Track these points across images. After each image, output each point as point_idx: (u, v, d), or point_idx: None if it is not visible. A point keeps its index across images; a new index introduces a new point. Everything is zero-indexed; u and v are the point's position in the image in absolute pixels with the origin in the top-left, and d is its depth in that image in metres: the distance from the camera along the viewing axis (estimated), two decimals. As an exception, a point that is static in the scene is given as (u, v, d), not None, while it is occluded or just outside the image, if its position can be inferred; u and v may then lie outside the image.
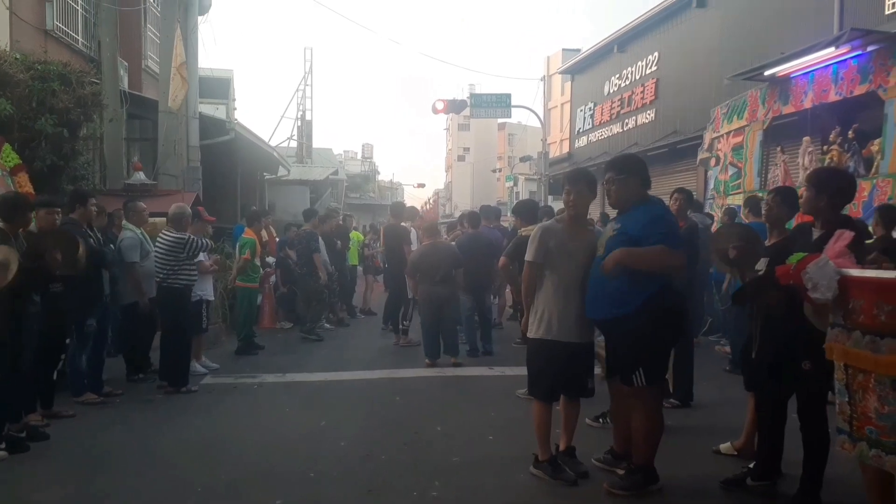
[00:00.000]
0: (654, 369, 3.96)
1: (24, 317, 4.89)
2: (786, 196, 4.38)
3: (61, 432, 5.24)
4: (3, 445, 4.70)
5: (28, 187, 6.97)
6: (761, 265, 4.04)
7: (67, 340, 5.94)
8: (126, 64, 12.28)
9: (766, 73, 9.49)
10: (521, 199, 41.10)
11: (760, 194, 9.34)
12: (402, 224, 10.45)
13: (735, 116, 10.78)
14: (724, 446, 4.74)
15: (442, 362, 7.93)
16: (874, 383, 2.84)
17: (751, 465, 4.17)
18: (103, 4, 10.54)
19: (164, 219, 7.12)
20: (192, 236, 6.77)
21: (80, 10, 11.17)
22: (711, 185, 11.76)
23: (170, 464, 4.62)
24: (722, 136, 11.23)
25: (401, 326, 9.33)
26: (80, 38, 11.14)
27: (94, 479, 4.36)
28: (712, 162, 11.70)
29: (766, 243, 4.31)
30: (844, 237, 3.03)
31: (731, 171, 10.88)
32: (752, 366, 4.21)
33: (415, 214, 12.69)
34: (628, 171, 4.05)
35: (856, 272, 2.90)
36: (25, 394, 5.26)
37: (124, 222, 7.04)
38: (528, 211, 6.90)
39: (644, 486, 3.98)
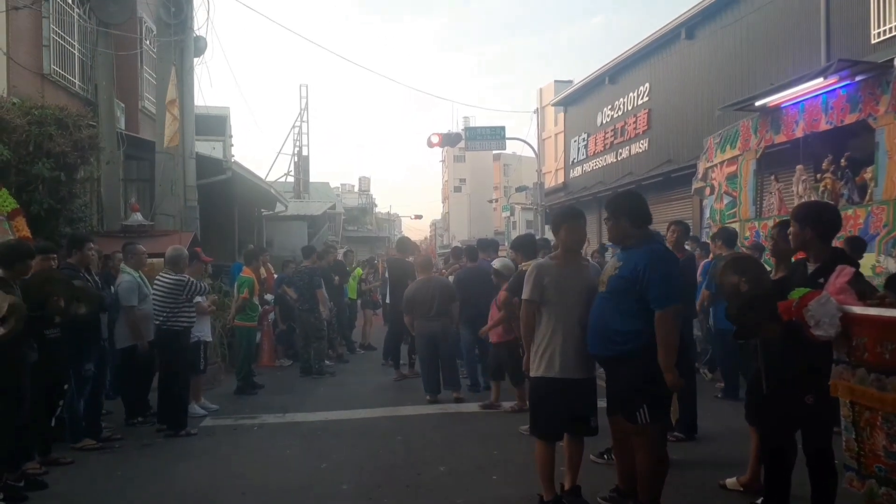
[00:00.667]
0: (658, 406, 3.93)
1: (23, 364, 4.85)
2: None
3: (60, 480, 5.17)
4: (2, 496, 4.63)
5: (25, 231, 6.98)
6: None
7: (66, 386, 5.89)
8: (123, 105, 12.39)
9: (757, 103, 9.60)
10: (517, 228, 41.38)
11: (758, 223, 9.40)
12: (408, 259, 10.41)
13: (728, 146, 10.87)
14: (730, 481, 4.69)
15: (443, 398, 7.88)
16: (882, 421, 2.82)
17: (758, 502, 4.12)
18: (100, 49, 10.66)
19: (162, 260, 7.10)
20: (190, 279, 6.76)
21: (76, 54, 11.30)
22: (707, 214, 11.81)
23: (170, 512, 4.55)
24: (716, 165, 11.31)
25: (410, 359, 9.54)
26: (77, 82, 11.26)
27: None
28: (707, 191, 11.77)
29: (773, 277, 4.31)
30: (845, 273, 3.03)
31: (726, 199, 10.93)
32: (759, 400, 4.19)
33: (415, 249, 12.75)
34: (618, 211, 4.06)
35: (858, 309, 2.89)
36: (23, 442, 5.20)
37: (122, 265, 7.03)
38: (527, 245, 6.91)
39: None
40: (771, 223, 9.36)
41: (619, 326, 3.89)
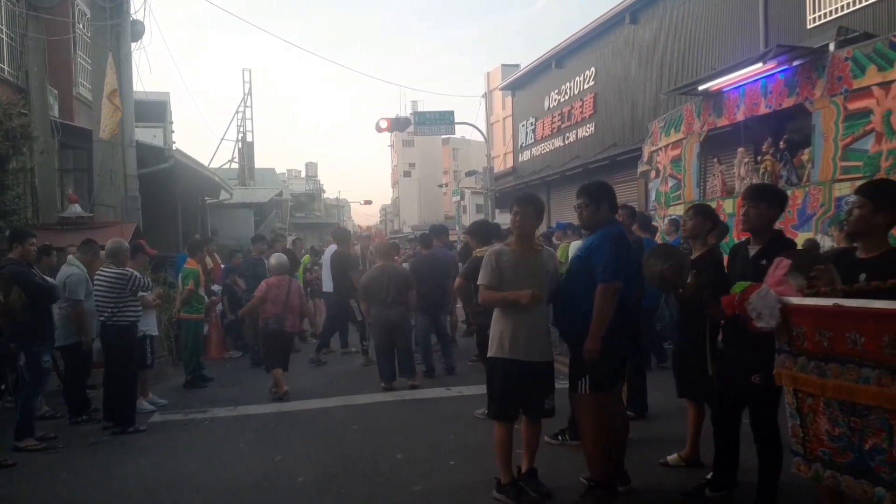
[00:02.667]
0: (599, 378, 4.08)
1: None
2: (700, 211, 4.72)
3: (2, 483, 4.98)
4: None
5: (-45, 226, 6.67)
6: (691, 278, 4.27)
7: (3, 387, 5.67)
8: (56, 92, 11.89)
9: (700, 87, 9.82)
10: (467, 213, 41.48)
11: (689, 206, 9.62)
12: (350, 249, 10.36)
13: (672, 129, 11.10)
14: (672, 458, 4.84)
15: (399, 385, 7.87)
16: (823, 406, 2.92)
17: (708, 477, 4.25)
18: (30, 34, 10.19)
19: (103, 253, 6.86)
20: (134, 272, 6.55)
21: (5, 39, 10.76)
22: (653, 197, 12.06)
23: (119, 512, 4.43)
24: (661, 148, 11.54)
25: (363, 347, 9.55)
26: (6, 68, 10.73)
27: (38, 534, 4.16)
28: (652, 174, 12.01)
29: (692, 257, 4.54)
30: (783, 265, 3.12)
31: (671, 182, 11.18)
32: (687, 374, 4.57)
33: (348, 238, 12.70)
34: (600, 198, 4.24)
35: (796, 300, 2.99)
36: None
37: (70, 257, 6.78)
38: (482, 231, 6.93)
39: (608, 500, 4.03)
40: (714, 205, 9.62)
41: (579, 304, 4.08)
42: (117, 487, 4.91)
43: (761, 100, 8.84)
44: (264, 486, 4.81)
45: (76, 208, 9.77)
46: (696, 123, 10.30)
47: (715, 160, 10.72)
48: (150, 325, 7.26)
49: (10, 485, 4.99)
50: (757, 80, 8.84)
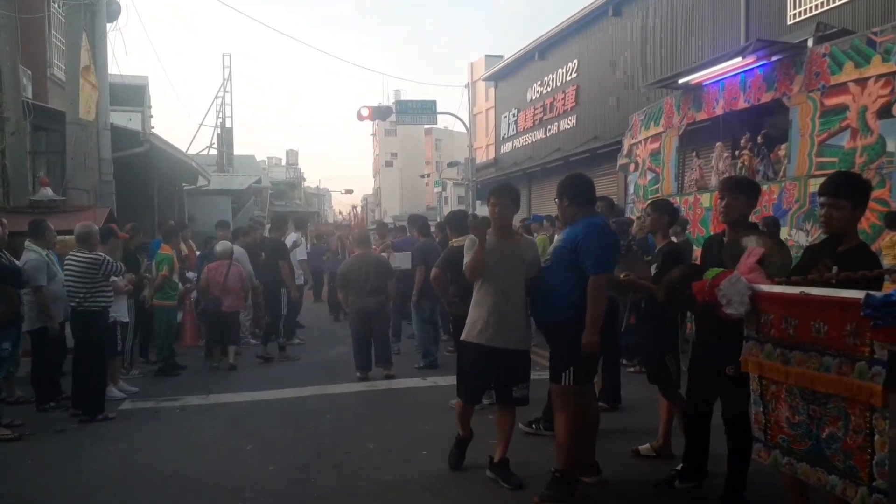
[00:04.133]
0: (582, 370, 4.10)
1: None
2: (659, 206, 4.93)
3: (-37, 472, 4.88)
4: None
5: (-80, 208, 6.49)
6: (653, 269, 4.54)
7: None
8: (29, 72, 11.61)
9: (680, 81, 9.83)
10: (449, 203, 41.46)
11: (679, 198, 9.67)
12: (283, 236, 10.12)
13: (652, 123, 11.12)
14: (644, 448, 4.88)
15: (374, 375, 7.83)
16: (785, 394, 2.95)
17: (678, 468, 4.27)
18: (1, 11, 9.93)
19: (73, 238, 6.73)
20: (106, 257, 6.43)
21: (-25, 17, 10.49)
22: (632, 190, 12.09)
23: (84, 503, 4.35)
24: (640, 142, 11.56)
25: (280, 342, 9.38)
26: (-24, 47, 10.45)
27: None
28: (632, 167, 12.03)
29: (656, 249, 4.80)
30: (754, 253, 3.15)
31: (649, 175, 11.21)
32: (652, 364, 4.74)
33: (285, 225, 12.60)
34: (580, 193, 4.23)
35: (766, 288, 3.02)
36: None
37: (27, 243, 6.63)
38: (458, 222, 6.91)
39: (571, 492, 4.06)
40: (692, 198, 9.67)
41: (559, 295, 4.09)
42: (84, 477, 4.83)
43: (740, 94, 8.87)
44: (235, 474, 4.75)
45: (48, 191, 9.57)
46: (675, 117, 10.33)
47: (693, 154, 10.77)
48: (120, 310, 7.15)
49: (-26, 472, 4.89)
50: (736, 74, 8.87)
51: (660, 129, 10.85)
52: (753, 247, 3.21)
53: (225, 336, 8.83)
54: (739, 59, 8.55)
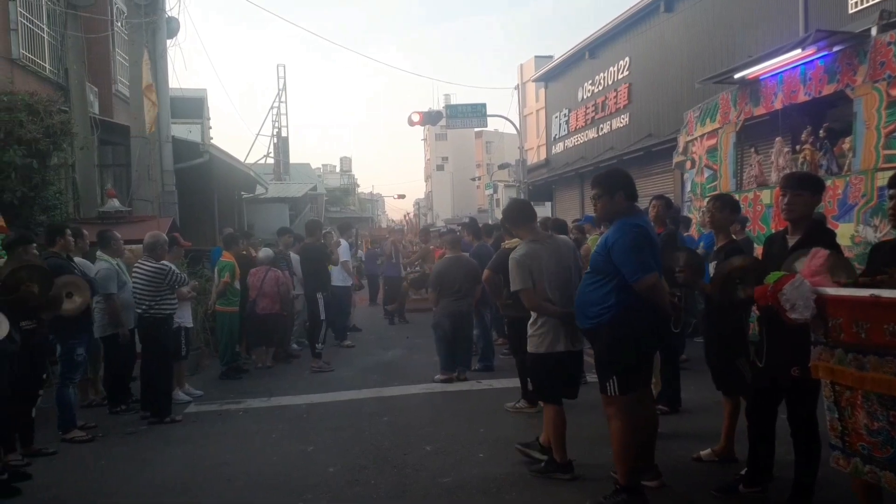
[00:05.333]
0: (628, 379, 3.92)
1: (3, 354, 4.75)
2: (725, 202, 4.70)
3: (44, 471, 5.13)
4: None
5: (-1, 220, 6.86)
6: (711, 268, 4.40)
7: (45, 376, 5.82)
8: (96, 89, 12.15)
9: (736, 75, 9.57)
10: (500, 206, 41.21)
11: (738, 195, 9.42)
12: (319, 241, 9.74)
13: (708, 119, 10.86)
14: (705, 453, 4.76)
15: (423, 378, 7.88)
16: (862, 400, 2.84)
17: (743, 472, 4.17)
18: (70, 32, 10.42)
19: (141, 247, 7.00)
20: (171, 267, 6.68)
21: (46, 38, 11.03)
22: (688, 188, 11.83)
23: (154, 501, 4.52)
24: (696, 139, 11.31)
25: (316, 349, 8.95)
26: (47, 66, 11.00)
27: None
28: (688, 165, 11.77)
29: (715, 247, 4.62)
30: (819, 255, 3.04)
31: (706, 173, 10.95)
32: (716, 367, 4.60)
33: (347, 227, 12.84)
34: (613, 187, 4.02)
35: (832, 291, 2.91)
36: (5, 433, 5.15)
37: (99, 253, 6.93)
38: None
39: None
40: (751, 195, 9.42)
41: (594, 300, 3.96)
42: (152, 477, 5.01)
43: (800, 87, 8.59)
44: (296, 475, 4.87)
45: (115, 203, 9.98)
46: (732, 113, 10.06)
47: (752, 150, 10.47)
48: (185, 316, 7.39)
49: (51, 472, 5.13)
50: (796, 66, 8.58)
51: (716, 125, 10.60)
52: (818, 249, 3.09)
53: (261, 338, 9.18)
54: (799, 50, 8.28)
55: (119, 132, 11.43)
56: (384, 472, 4.82)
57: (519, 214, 4.90)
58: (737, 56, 12.34)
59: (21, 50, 10.13)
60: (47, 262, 5.73)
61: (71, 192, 10.20)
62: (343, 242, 11.64)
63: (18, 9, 10.10)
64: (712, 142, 10.76)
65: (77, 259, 6.51)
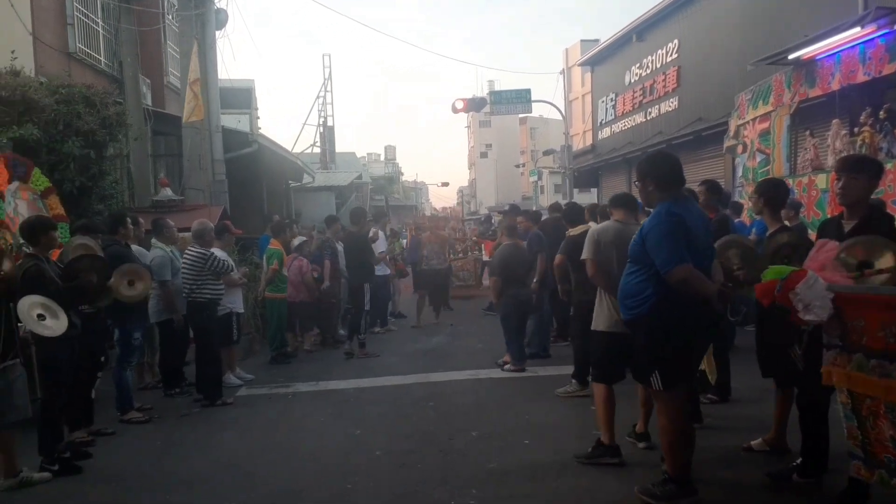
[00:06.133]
0: (671, 373, 3.78)
1: (67, 338, 4.94)
2: (760, 188, 4.70)
3: (102, 451, 5.33)
4: (56, 467, 4.79)
5: (59, 209, 7.12)
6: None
7: (103, 359, 6.05)
8: (148, 81, 12.46)
9: (791, 56, 9.31)
10: (545, 193, 41.12)
11: (792, 180, 9.16)
12: (363, 229, 9.53)
13: (760, 102, 10.59)
14: (756, 443, 4.66)
15: (468, 364, 7.90)
16: (885, 409, 2.62)
17: (797, 462, 4.08)
18: (123, 25, 10.69)
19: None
20: (212, 252, 6.83)
21: (101, 32, 11.34)
22: (740, 173, 11.57)
23: (208, 480, 4.67)
24: (748, 122, 11.04)
25: (360, 338, 8.88)
26: (102, 59, 11.31)
27: (133, 497, 4.45)
28: (739, 149, 11.51)
29: (768, 233, 4.50)
30: (828, 248, 2.80)
31: (759, 157, 10.69)
32: (767, 355, 4.49)
33: (382, 216, 12.63)
34: (642, 174, 3.96)
35: (849, 288, 2.67)
36: (71, 414, 5.37)
37: (153, 240, 7.13)
38: (574, 215, 7.11)
39: (678, 497, 3.79)
40: (806, 180, 9.14)
41: (632, 290, 3.88)
42: (206, 456, 5.17)
43: (859, 67, 8.30)
44: (343, 458, 4.96)
45: (168, 192, 10.26)
46: (786, 95, 9.79)
47: (807, 133, 10.16)
48: (236, 302, 7.56)
49: (110, 452, 5.34)
50: (854, 45, 8.30)
51: (769, 107, 10.33)
52: (825, 241, 2.83)
53: (302, 324, 9.46)
54: (858, 28, 8.00)
55: (171, 123, 11.72)
56: (430, 456, 4.87)
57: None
58: (791, 36, 11.92)
59: (77, 44, 10.43)
60: (108, 250, 5.94)
61: (126, 181, 10.51)
62: (379, 233, 11.35)
63: (75, 3, 10.41)
64: (765, 125, 10.49)
65: (134, 247, 6.73)
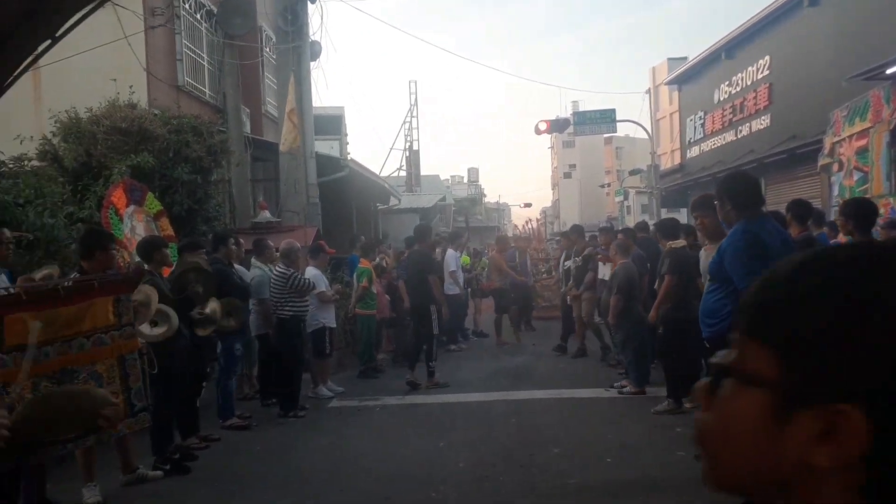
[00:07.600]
0: None
1: (178, 348, 5.39)
2: (843, 209, 4.85)
3: (206, 453, 5.75)
4: (168, 467, 5.23)
5: (169, 230, 7.72)
6: None
7: (208, 369, 6.51)
8: (248, 110, 13.27)
9: (888, 70, 8.99)
10: (631, 213, 40.40)
11: (892, 199, 8.81)
12: (430, 248, 9.19)
13: (857, 118, 10.22)
14: None
15: (551, 383, 7.96)
16: None
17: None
18: (226, 59, 11.48)
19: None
20: (295, 273, 7.18)
21: (206, 66, 12.21)
22: (836, 192, 11.16)
23: (303, 486, 4.97)
24: (844, 139, 10.67)
25: (430, 366, 8.27)
26: (207, 91, 12.16)
27: (233, 495, 4.81)
28: (835, 167, 11.12)
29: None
30: None
31: (856, 175, 10.31)
32: None
33: (457, 237, 12.19)
34: (721, 193, 4.03)
35: None
36: (183, 420, 5.82)
37: (253, 259, 7.62)
38: (669, 229, 7.19)
39: None
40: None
41: (712, 308, 4.00)
42: (299, 463, 5.50)
43: (964, 81, 7.93)
44: (428, 469, 5.15)
45: (266, 214, 10.87)
46: (885, 110, 9.43)
47: (909, 150, 9.72)
48: (329, 318, 7.94)
49: (213, 455, 5.74)
50: (958, 58, 7.95)
51: (867, 124, 9.96)
52: None
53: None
54: (961, 41, 7.66)
55: (268, 149, 12.43)
56: (511, 471, 5.00)
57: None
58: (889, 50, 11.47)
59: (185, 77, 11.29)
60: (214, 269, 6.42)
61: (228, 204, 11.22)
62: (451, 252, 11.18)
63: (183, 41, 11.28)
64: (862, 142, 10.13)
65: (236, 266, 7.22)
